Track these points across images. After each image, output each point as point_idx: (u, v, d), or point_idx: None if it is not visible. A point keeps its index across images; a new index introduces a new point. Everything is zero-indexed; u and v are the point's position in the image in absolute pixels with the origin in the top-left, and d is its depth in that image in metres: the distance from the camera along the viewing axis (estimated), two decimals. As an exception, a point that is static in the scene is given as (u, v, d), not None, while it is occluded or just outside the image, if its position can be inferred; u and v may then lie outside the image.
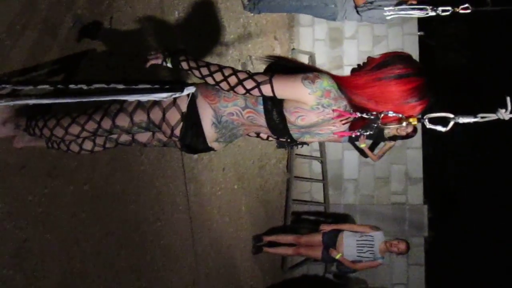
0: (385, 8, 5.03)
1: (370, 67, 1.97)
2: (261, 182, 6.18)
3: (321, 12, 5.42)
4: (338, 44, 7.23)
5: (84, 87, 2.18)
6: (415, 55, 7.13)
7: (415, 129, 6.04)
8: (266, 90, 1.99)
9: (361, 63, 2.07)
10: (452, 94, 7.64)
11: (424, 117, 2.04)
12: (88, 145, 2.54)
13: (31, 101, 2.27)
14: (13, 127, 2.55)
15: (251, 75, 2.01)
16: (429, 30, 7.74)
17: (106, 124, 2.30)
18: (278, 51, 6.52)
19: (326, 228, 6.09)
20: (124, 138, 2.47)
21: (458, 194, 9.23)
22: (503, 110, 2.31)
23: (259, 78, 1.99)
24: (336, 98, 1.98)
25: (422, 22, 6.91)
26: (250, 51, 5.69)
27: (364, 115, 1.94)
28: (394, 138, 6.16)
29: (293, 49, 7.06)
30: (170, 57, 2.12)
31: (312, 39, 7.26)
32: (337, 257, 5.84)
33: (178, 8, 4.21)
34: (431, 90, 1.96)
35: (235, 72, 2.03)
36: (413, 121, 2.02)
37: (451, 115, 2.19)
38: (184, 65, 2.10)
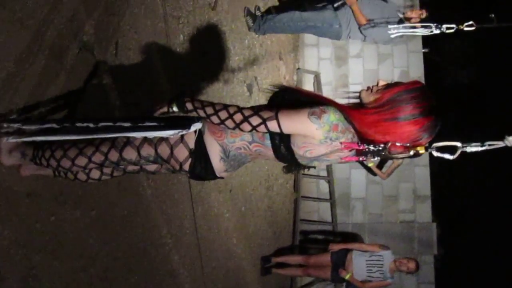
0: (389, 26, 5.04)
1: (380, 103, 1.93)
2: (268, 203, 6.15)
3: (326, 32, 5.44)
4: (343, 63, 7.24)
5: (91, 125, 2.17)
6: (421, 72, 7.14)
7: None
8: (273, 126, 1.96)
9: (371, 86, 2.04)
10: (457, 111, 7.64)
11: (432, 146, 2.02)
12: (95, 174, 2.53)
13: (38, 138, 2.27)
14: (19, 156, 2.54)
15: (256, 112, 1.98)
16: (434, 47, 7.75)
17: (113, 156, 2.29)
18: (284, 71, 6.53)
19: (334, 247, 6.05)
20: (132, 167, 2.45)
21: (467, 211, 9.17)
22: (511, 138, 2.29)
23: (265, 115, 1.97)
24: (344, 130, 1.95)
25: (427, 39, 6.92)
26: (256, 72, 5.69)
27: (371, 147, 1.92)
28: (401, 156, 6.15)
29: (298, 68, 7.08)
30: (175, 101, 2.12)
31: (317, 58, 7.28)
32: (347, 277, 5.80)
33: (183, 31, 4.22)
34: (441, 123, 1.93)
35: (240, 109, 2.01)
36: (421, 149, 2.00)
37: (459, 144, 2.16)
38: (189, 105, 2.10)
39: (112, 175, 2.56)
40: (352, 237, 7.06)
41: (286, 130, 1.97)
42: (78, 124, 2.21)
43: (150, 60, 3.78)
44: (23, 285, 2.66)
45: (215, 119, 2.05)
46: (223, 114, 2.02)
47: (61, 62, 2.96)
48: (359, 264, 5.78)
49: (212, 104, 2.06)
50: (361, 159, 2.02)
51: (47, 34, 2.83)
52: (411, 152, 1.93)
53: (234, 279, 5.22)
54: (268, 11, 5.81)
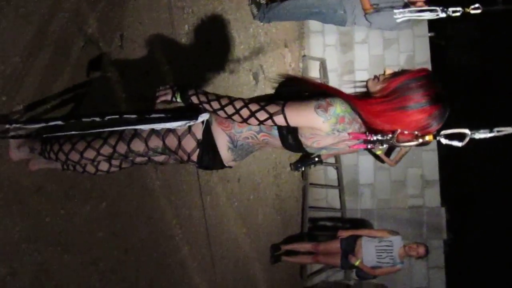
0: (395, 11, 4.99)
1: (387, 92, 1.91)
2: (276, 191, 6.14)
3: (331, 18, 5.40)
4: (349, 49, 7.19)
5: (97, 119, 2.17)
6: (427, 57, 7.08)
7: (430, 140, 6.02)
8: (280, 120, 1.95)
9: (378, 75, 2.02)
10: (464, 96, 7.59)
11: (440, 134, 2.00)
12: (104, 166, 2.53)
13: (45, 134, 2.28)
14: (28, 150, 2.55)
15: (263, 107, 1.97)
16: (439, 31, 7.69)
17: (121, 148, 2.30)
18: (289, 59, 6.50)
19: (344, 234, 6.05)
20: (140, 159, 2.45)
21: (476, 195, 9.14)
22: (520, 124, 2.28)
23: (271, 109, 1.95)
24: (351, 121, 1.94)
25: (432, 23, 6.86)
26: (261, 61, 5.67)
27: (379, 137, 1.90)
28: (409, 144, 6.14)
29: (304, 55, 7.04)
30: (179, 92, 2.09)
31: (322, 45, 7.23)
32: (356, 263, 5.80)
33: (188, 22, 4.20)
34: (449, 111, 1.91)
35: (246, 104, 1.99)
36: (429, 137, 1.98)
37: (467, 131, 2.14)
38: (194, 99, 2.07)
39: (120, 167, 2.56)
40: (361, 223, 7.06)
41: (293, 123, 1.96)
42: (84, 119, 2.20)
43: (155, 51, 3.76)
44: (35, 280, 2.67)
45: (221, 113, 2.04)
46: (230, 109, 2.01)
47: (67, 56, 2.95)
48: (368, 250, 5.77)
49: (217, 98, 2.05)
50: (369, 146, 2.00)
51: (51, 28, 2.82)
52: (420, 140, 1.92)
53: (244, 268, 5.24)
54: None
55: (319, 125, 1.92)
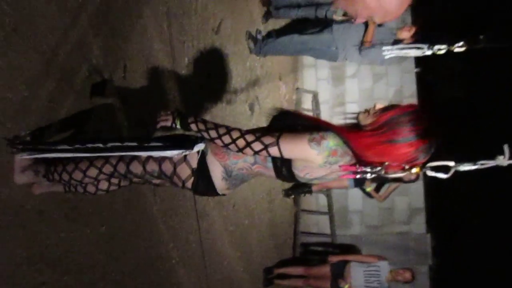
0: (384, 48, 5.03)
1: (377, 125, 1.90)
2: (270, 216, 6.10)
3: (323, 54, 5.43)
4: (340, 83, 7.24)
5: (101, 145, 2.17)
6: (413, 91, 7.13)
7: (418, 176, 6.07)
8: (274, 152, 1.95)
9: (369, 109, 2.02)
10: (449, 129, 7.60)
11: (426, 166, 1.99)
12: (103, 185, 2.52)
13: (51, 155, 2.26)
14: (33, 174, 2.52)
15: (258, 137, 1.96)
16: (426, 67, 7.74)
17: (121, 168, 2.29)
18: (284, 91, 6.53)
19: (333, 259, 6.02)
20: (138, 179, 2.43)
21: (460, 222, 9.12)
22: (502, 157, 2.28)
23: (267, 141, 1.95)
24: (343, 154, 1.93)
25: (419, 59, 6.91)
26: (257, 92, 5.68)
27: (368, 169, 1.89)
28: (398, 179, 6.18)
29: (297, 88, 7.08)
30: (179, 119, 2.09)
31: (315, 79, 7.28)
32: (345, 287, 5.75)
33: (188, 55, 4.21)
34: (436, 145, 1.90)
35: (242, 134, 1.99)
36: (416, 170, 1.97)
37: (452, 163, 2.14)
38: (193, 127, 2.07)
39: (119, 185, 2.55)
40: (350, 249, 7.02)
41: (287, 155, 1.96)
42: (89, 145, 2.19)
43: (156, 82, 3.76)
44: (35, 300, 2.61)
45: (218, 142, 2.03)
46: (227, 139, 2.00)
47: (72, 84, 2.94)
48: (357, 275, 5.73)
49: (216, 127, 2.04)
50: (358, 176, 1.99)
51: (58, 58, 2.81)
52: (407, 172, 1.91)
53: (238, 291, 5.17)
54: (269, 35, 5.80)
55: (312, 157, 1.92)
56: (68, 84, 2.91)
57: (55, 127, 2.79)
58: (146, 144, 2.15)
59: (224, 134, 2.01)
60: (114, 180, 2.51)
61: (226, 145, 2.01)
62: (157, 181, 2.45)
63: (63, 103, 2.87)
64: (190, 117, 2.09)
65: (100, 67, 3.18)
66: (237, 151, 2.01)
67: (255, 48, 5.56)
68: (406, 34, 5.05)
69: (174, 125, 2.11)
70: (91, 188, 2.54)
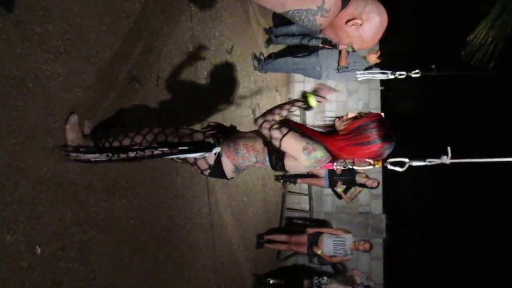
0: (357, 72, 5.00)
1: (348, 131, 1.88)
2: (263, 195, 6.08)
3: (310, 73, 5.40)
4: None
5: (139, 152, 2.13)
6: (378, 104, 7.10)
7: (378, 184, 6.12)
8: (275, 142, 1.94)
9: (341, 116, 1.99)
10: (404, 134, 7.58)
11: (387, 161, 1.99)
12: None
13: (99, 158, 2.25)
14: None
15: (279, 126, 1.94)
16: (388, 86, 7.71)
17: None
18: (279, 100, 6.49)
19: (310, 230, 6.03)
20: None
21: (408, 206, 9.14)
22: (445, 157, 2.26)
23: (275, 134, 1.94)
24: (325, 160, 1.93)
25: (383, 80, 6.89)
26: (258, 100, 5.64)
27: (342, 165, 1.90)
28: (362, 185, 6.20)
29: (289, 98, 7.03)
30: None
31: (303, 83, 7.24)
32: (319, 252, 5.76)
33: (207, 68, 4.17)
34: (394, 146, 1.89)
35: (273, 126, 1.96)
36: (379, 164, 1.98)
37: (406, 160, 2.14)
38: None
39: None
40: (323, 223, 7.01)
41: (283, 149, 1.95)
42: (130, 154, 2.14)
43: (182, 88, 3.73)
44: (80, 254, 2.59)
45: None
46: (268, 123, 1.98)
47: (116, 88, 2.91)
48: (328, 244, 5.73)
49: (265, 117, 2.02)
50: (334, 167, 2.02)
51: (106, 67, 2.78)
52: (371, 166, 1.93)
53: (236, 251, 5.15)
54: (269, 56, 5.76)
55: (301, 160, 1.92)
56: (113, 88, 2.88)
57: (103, 126, 2.75)
58: (175, 150, 2.11)
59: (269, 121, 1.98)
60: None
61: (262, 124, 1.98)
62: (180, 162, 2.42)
63: (109, 103, 2.84)
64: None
65: (138, 76, 3.15)
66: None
67: (258, 66, 5.53)
68: (373, 57, 5.02)
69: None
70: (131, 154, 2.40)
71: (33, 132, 2.23)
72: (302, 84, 7.26)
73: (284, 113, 2.01)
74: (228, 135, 2.23)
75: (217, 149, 2.08)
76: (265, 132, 1.95)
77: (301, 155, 1.88)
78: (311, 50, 5.43)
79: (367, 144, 1.83)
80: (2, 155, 2.07)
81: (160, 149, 2.10)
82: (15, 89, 2.11)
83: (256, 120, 2.00)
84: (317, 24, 1.59)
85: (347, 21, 1.61)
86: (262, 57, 5.70)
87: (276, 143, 1.92)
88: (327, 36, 1.79)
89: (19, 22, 2.12)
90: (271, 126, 1.95)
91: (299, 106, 2.08)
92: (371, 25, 1.62)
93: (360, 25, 1.61)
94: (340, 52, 5.14)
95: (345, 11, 1.62)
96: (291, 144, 1.91)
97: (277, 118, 1.99)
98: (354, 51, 5.18)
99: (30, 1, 2.18)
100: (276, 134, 1.93)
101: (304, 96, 2.10)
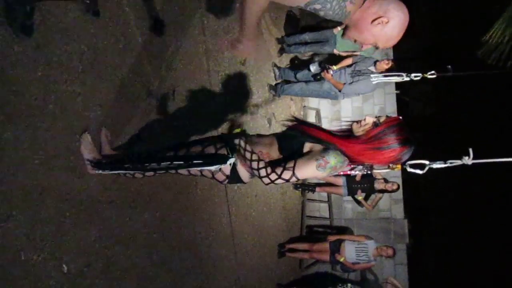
0: (372, 75, 4.94)
1: (369, 137, 1.86)
2: (283, 204, 6.05)
3: (326, 96, 5.36)
4: (337, 102, 7.14)
5: (156, 165, 2.14)
6: (394, 108, 7.01)
7: (398, 187, 6.02)
8: (293, 180, 1.94)
9: (359, 120, 1.96)
10: (424, 136, 7.51)
11: (406, 164, 1.96)
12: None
13: (121, 172, 2.29)
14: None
15: (279, 176, 1.93)
16: (404, 89, 7.64)
17: (171, 170, 2.26)
18: (293, 109, 6.47)
19: (332, 238, 5.95)
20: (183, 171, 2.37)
21: (431, 211, 9.00)
22: (467, 157, 2.22)
23: (286, 176, 1.92)
24: (341, 166, 1.91)
25: (398, 83, 6.82)
26: (273, 110, 5.64)
27: (360, 169, 1.89)
28: (382, 191, 6.10)
29: (304, 106, 7.01)
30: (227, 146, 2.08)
31: (317, 99, 7.20)
32: (341, 260, 5.68)
33: (222, 81, 4.19)
34: (413, 151, 1.86)
35: (268, 174, 1.95)
36: (398, 167, 1.96)
37: (427, 162, 2.10)
38: (241, 150, 2.06)
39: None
40: (344, 230, 6.92)
41: (302, 178, 1.95)
42: (147, 165, 2.16)
43: (198, 102, 3.75)
44: (105, 270, 2.61)
45: (254, 165, 1.99)
46: (256, 167, 1.98)
47: (134, 105, 2.95)
48: (350, 251, 5.65)
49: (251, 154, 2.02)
50: (352, 172, 2.01)
51: (123, 85, 2.82)
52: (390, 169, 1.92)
53: (258, 261, 5.12)
54: (287, 81, 5.67)
55: (320, 176, 1.91)
56: (131, 104, 2.92)
57: (121, 141, 2.79)
58: (190, 162, 2.12)
59: (259, 169, 1.97)
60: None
61: (255, 170, 1.98)
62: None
63: (127, 119, 2.88)
64: (237, 139, 2.07)
65: (155, 91, 3.19)
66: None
67: (276, 94, 5.54)
68: (384, 66, 4.92)
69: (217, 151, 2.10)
70: (139, 175, 2.41)
71: (55, 152, 2.28)
72: (316, 91, 7.24)
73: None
74: (245, 141, 2.22)
75: (231, 160, 2.08)
76: (279, 181, 1.93)
77: (317, 173, 1.88)
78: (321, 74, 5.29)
79: (387, 148, 1.81)
80: (26, 175, 2.11)
81: (175, 162, 2.12)
82: (37, 111, 2.16)
83: (263, 180, 1.98)
84: (347, 11, 1.64)
85: (373, 20, 1.65)
86: (276, 71, 5.70)
87: (293, 180, 1.92)
88: (350, 37, 1.82)
89: (39, 45, 2.18)
90: (279, 176, 1.93)
91: None
92: (396, 22, 1.66)
93: (386, 23, 1.65)
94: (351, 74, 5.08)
95: (369, 11, 1.65)
96: (305, 171, 1.90)
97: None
98: (377, 48, 5.11)
99: (48, 25, 2.23)
100: (286, 175, 1.91)
101: None
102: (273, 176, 1.93)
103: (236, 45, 1.92)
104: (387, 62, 4.92)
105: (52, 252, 2.23)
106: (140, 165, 2.17)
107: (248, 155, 2.01)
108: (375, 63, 4.99)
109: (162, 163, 2.11)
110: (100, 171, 2.33)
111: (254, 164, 1.97)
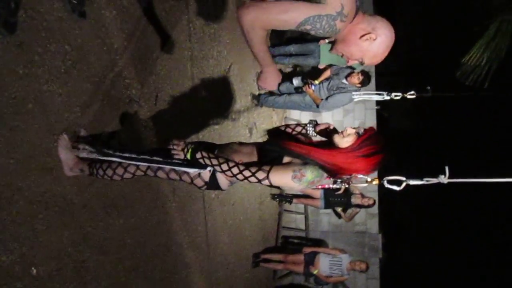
0: (354, 93, 5.02)
1: (354, 146, 1.89)
2: (260, 214, 6.06)
3: (308, 109, 5.45)
4: (318, 115, 7.20)
5: (135, 155, 2.15)
6: (373, 123, 7.13)
7: (374, 202, 6.13)
8: (266, 183, 1.93)
9: (341, 131, 1.99)
10: (400, 152, 7.62)
11: (383, 179, 1.99)
12: (131, 169, 2.36)
13: (105, 158, 2.26)
14: (79, 172, 2.47)
15: (253, 173, 1.93)
16: (384, 106, 7.76)
17: (150, 173, 2.27)
18: (275, 119, 6.51)
19: (307, 250, 5.98)
20: (162, 175, 2.36)
21: (405, 226, 9.13)
22: (443, 176, 2.27)
23: (260, 176, 1.92)
24: (319, 180, 1.93)
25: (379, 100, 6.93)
26: (255, 119, 5.67)
27: (339, 183, 1.90)
28: (359, 206, 6.21)
29: (286, 117, 7.06)
30: (190, 153, 2.04)
31: (299, 111, 7.25)
32: (315, 272, 5.72)
33: (205, 88, 4.20)
34: (389, 158, 1.91)
35: (240, 171, 1.95)
36: (376, 181, 1.99)
37: (404, 178, 2.15)
38: (202, 161, 2.03)
39: (145, 172, 2.36)
40: (320, 242, 6.97)
41: (275, 185, 1.95)
42: (128, 155, 2.16)
43: (180, 108, 3.74)
44: (76, 274, 2.57)
45: (218, 169, 2.00)
46: (229, 173, 1.98)
47: (115, 108, 2.93)
48: (324, 263, 5.69)
49: (219, 164, 1.99)
50: (332, 186, 2.03)
51: (105, 88, 2.80)
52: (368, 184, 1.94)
53: (232, 270, 5.11)
54: (271, 93, 5.71)
55: (295, 187, 1.92)
56: (112, 108, 2.90)
57: (102, 140, 2.76)
58: (169, 160, 2.12)
59: (227, 170, 1.97)
60: (142, 168, 2.34)
61: (224, 171, 1.98)
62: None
63: (107, 122, 2.86)
64: (198, 153, 2.03)
65: (138, 96, 3.17)
66: (243, 180, 1.97)
67: (259, 103, 5.59)
68: (355, 80, 5.01)
69: (185, 156, 2.07)
70: (117, 177, 2.40)
71: (32, 152, 2.24)
72: (298, 103, 7.30)
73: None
74: (223, 148, 2.23)
75: (210, 168, 2.08)
76: (252, 179, 1.94)
77: (292, 183, 1.88)
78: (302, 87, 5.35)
79: (373, 155, 1.85)
80: (0, 174, 2.07)
81: (155, 157, 2.12)
82: (15, 109, 2.13)
83: (237, 176, 1.98)
84: (337, 28, 1.68)
85: (362, 36, 1.69)
86: (260, 92, 5.74)
87: (265, 182, 1.92)
88: (338, 51, 1.86)
89: (21, 43, 2.15)
90: (252, 173, 1.94)
91: None
92: (383, 39, 1.71)
93: (374, 39, 1.69)
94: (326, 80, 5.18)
95: (358, 26, 1.70)
96: (280, 178, 1.91)
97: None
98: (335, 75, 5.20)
99: (32, 23, 2.21)
100: (260, 175, 1.92)
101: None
102: (247, 173, 1.93)
103: (260, 77, 1.96)
104: (357, 76, 4.99)
105: (22, 254, 2.18)
106: (119, 153, 2.17)
107: (214, 161, 2.01)
108: (346, 77, 5.06)
109: (141, 155, 2.12)
110: (84, 154, 2.30)
111: (224, 166, 1.97)
